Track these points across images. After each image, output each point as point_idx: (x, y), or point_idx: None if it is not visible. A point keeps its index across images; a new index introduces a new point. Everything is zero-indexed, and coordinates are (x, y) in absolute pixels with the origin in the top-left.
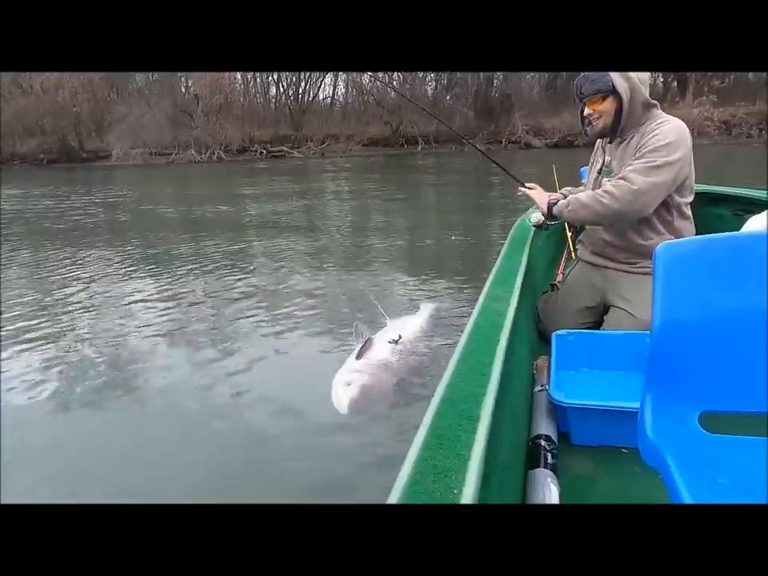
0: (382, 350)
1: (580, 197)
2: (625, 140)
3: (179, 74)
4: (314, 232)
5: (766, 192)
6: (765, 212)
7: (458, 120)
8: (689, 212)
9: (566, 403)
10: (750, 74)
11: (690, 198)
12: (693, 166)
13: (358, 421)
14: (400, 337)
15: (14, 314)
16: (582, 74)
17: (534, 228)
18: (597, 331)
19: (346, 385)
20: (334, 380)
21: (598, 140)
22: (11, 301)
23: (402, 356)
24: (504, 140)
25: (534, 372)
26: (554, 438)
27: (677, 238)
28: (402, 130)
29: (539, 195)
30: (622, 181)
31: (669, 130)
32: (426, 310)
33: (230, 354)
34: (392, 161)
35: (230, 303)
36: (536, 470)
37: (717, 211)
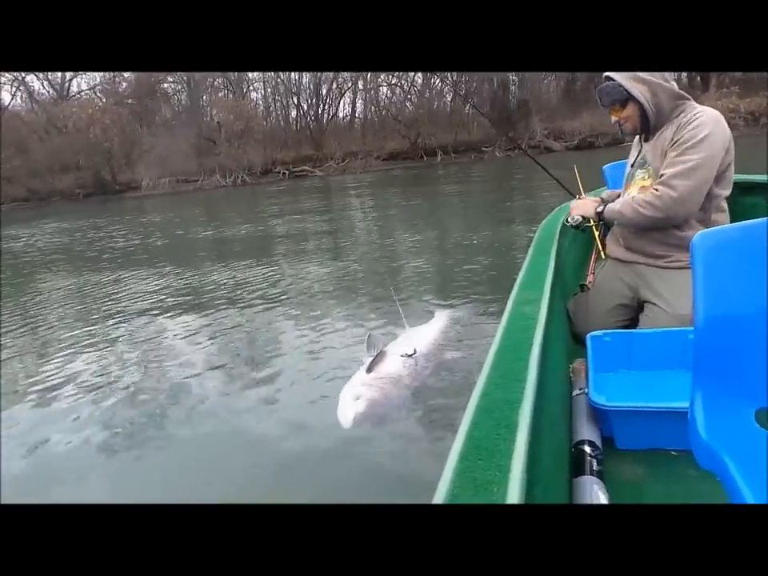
0: (394, 363)
1: (623, 210)
2: (659, 134)
3: (203, 103)
4: (337, 242)
5: None
6: None
7: (474, 129)
8: (725, 205)
9: (608, 406)
10: None
11: (729, 191)
12: (733, 155)
13: (376, 436)
14: (415, 351)
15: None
16: (600, 83)
17: (560, 229)
18: (633, 330)
19: (354, 399)
20: (342, 393)
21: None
22: (54, 322)
23: (415, 371)
24: (524, 145)
25: (571, 375)
26: (598, 443)
27: None
28: (420, 143)
29: (584, 205)
30: (662, 188)
31: (702, 122)
32: (442, 318)
33: (261, 364)
34: (412, 173)
35: (260, 313)
36: (581, 477)
37: (750, 200)
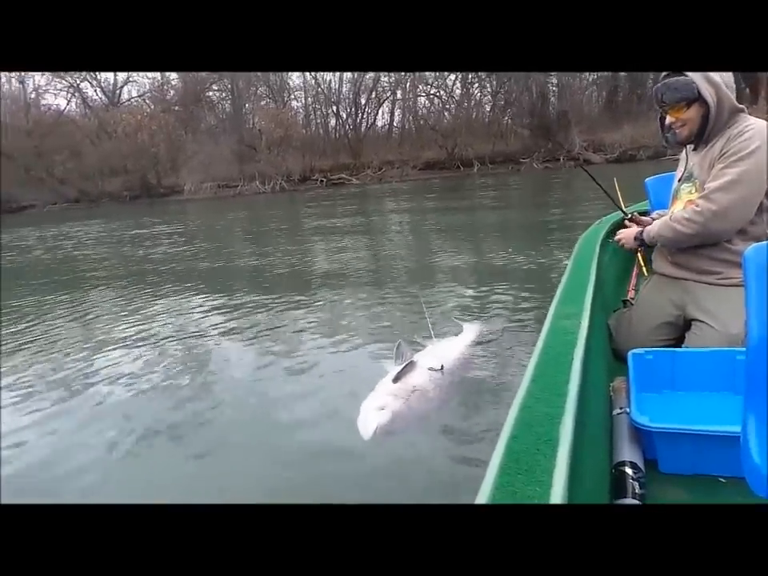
0: (421, 376)
1: (662, 232)
2: (709, 146)
3: (245, 111)
4: (370, 249)
5: None
6: None
7: (512, 139)
8: None
9: (652, 427)
10: None
11: None
12: None
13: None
14: (443, 366)
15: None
16: (662, 81)
17: (600, 242)
18: (678, 349)
19: (378, 409)
20: (366, 401)
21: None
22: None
23: (442, 386)
24: (562, 157)
25: (611, 394)
26: (640, 464)
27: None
28: (457, 153)
29: (626, 236)
30: (702, 202)
31: (752, 135)
32: (471, 331)
33: (293, 366)
34: (449, 183)
35: (294, 319)
36: (623, 500)
37: None
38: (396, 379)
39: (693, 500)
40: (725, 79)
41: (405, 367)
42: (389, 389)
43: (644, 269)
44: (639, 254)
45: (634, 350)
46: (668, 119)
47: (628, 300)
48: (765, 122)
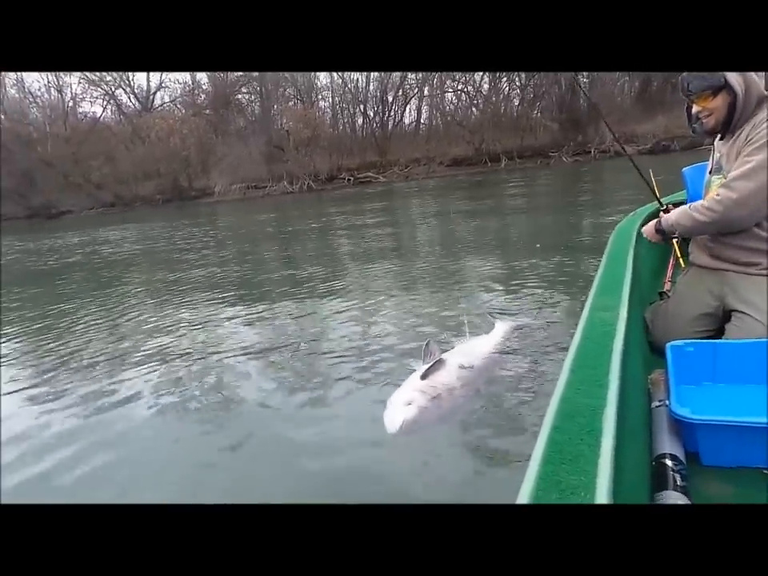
0: (450, 373)
1: (680, 221)
2: (736, 135)
3: (273, 112)
4: (398, 246)
5: None
6: None
7: (541, 133)
8: None
9: (693, 419)
10: None
11: None
12: None
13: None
14: (473, 365)
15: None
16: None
17: (636, 234)
18: (718, 341)
19: (406, 404)
20: (392, 397)
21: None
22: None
23: (471, 384)
24: (593, 149)
25: (650, 386)
26: (681, 457)
27: None
28: (484, 148)
29: (648, 230)
30: (723, 190)
31: None
32: (502, 328)
33: (313, 361)
34: (476, 178)
35: (320, 319)
36: (665, 492)
37: None
38: (424, 376)
39: (735, 492)
40: None
41: (433, 365)
42: (416, 385)
43: (681, 260)
44: (676, 245)
45: (674, 342)
46: (694, 108)
47: (665, 292)
48: None
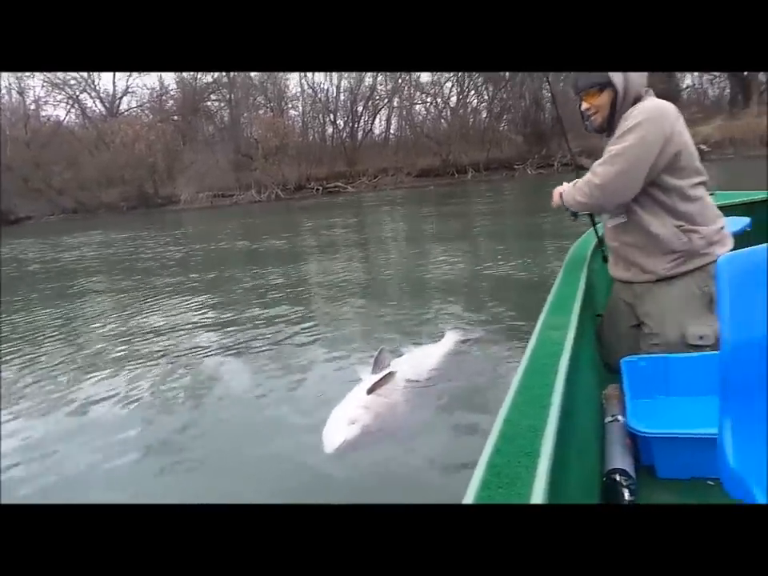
0: (397, 389)
1: (567, 196)
2: (615, 132)
3: (242, 120)
4: (361, 255)
5: None
6: None
7: (506, 146)
8: (698, 194)
9: (648, 433)
10: None
11: (694, 180)
12: (690, 147)
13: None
14: (419, 380)
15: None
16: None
17: (592, 251)
18: (670, 355)
19: (349, 422)
20: (335, 411)
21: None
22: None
23: (417, 399)
24: (556, 162)
25: (603, 402)
26: (631, 471)
27: (689, 223)
28: (451, 160)
29: (555, 192)
30: (588, 175)
31: (638, 113)
32: (452, 338)
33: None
34: (443, 190)
35: (282, 326)
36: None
37: None
38: (371, 391)
39: (686, 503)
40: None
41: (381, 379)
42: (362, 401)
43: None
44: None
45: (626, 358)
46: (583, 105)
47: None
48: (658, 101)
